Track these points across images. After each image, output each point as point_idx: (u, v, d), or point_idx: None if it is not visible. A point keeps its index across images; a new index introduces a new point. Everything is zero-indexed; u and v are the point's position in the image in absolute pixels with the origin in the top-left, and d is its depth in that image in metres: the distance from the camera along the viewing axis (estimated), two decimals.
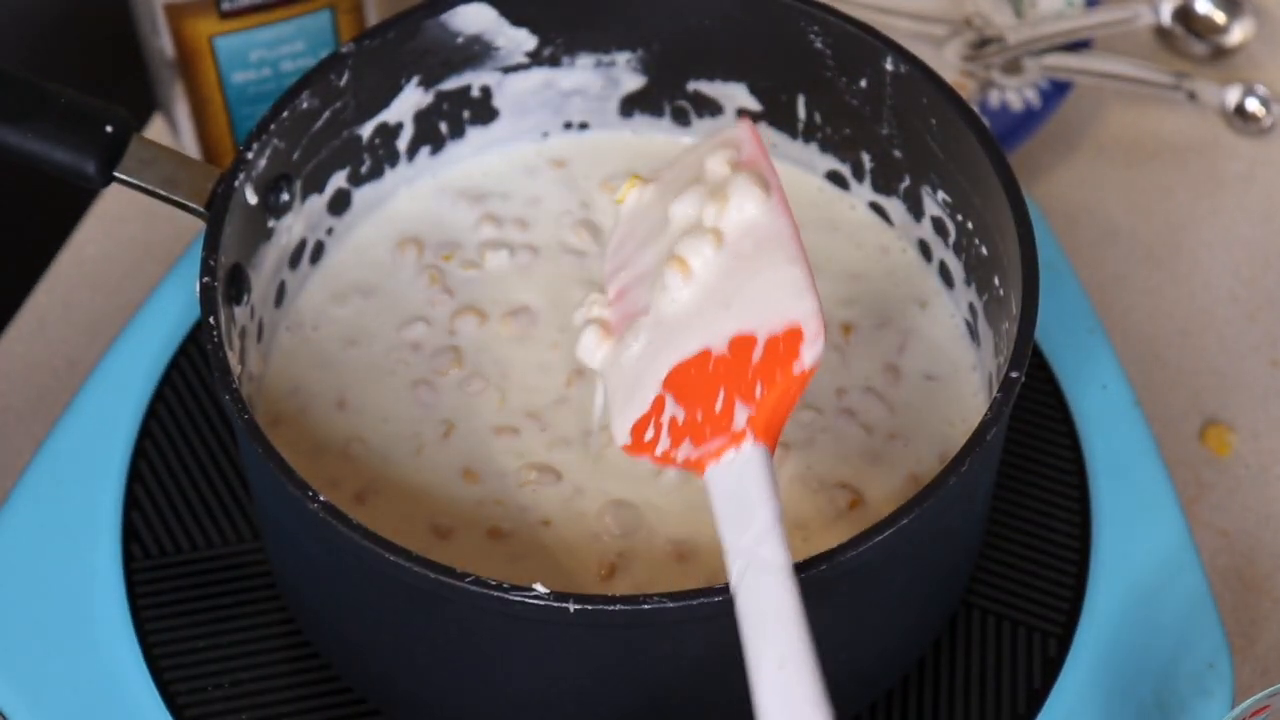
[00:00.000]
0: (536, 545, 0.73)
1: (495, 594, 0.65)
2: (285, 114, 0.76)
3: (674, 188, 0.74)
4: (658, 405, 0.68)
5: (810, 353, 0.65)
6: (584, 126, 0.85)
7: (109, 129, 0.75)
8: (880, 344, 0.79)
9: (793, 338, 0.66)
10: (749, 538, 0.62)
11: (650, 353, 0.69)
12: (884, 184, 0.82)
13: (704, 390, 0.67)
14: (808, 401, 0.77)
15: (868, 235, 0.83)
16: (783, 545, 0.62)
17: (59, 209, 0.98)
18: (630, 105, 0.85)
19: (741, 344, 0.67)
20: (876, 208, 0.83)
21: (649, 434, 0.68)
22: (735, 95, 0.84)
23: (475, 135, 0.84)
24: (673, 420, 0.67)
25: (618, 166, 0.84)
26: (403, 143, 0.82)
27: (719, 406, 0.66)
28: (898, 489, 0.75)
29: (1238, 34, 1.03)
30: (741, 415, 0.65)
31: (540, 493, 0.74)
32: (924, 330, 0.80)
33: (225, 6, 0.91)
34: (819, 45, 0.80)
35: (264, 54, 0.93)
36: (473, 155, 0.85)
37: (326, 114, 0.78)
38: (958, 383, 0.78)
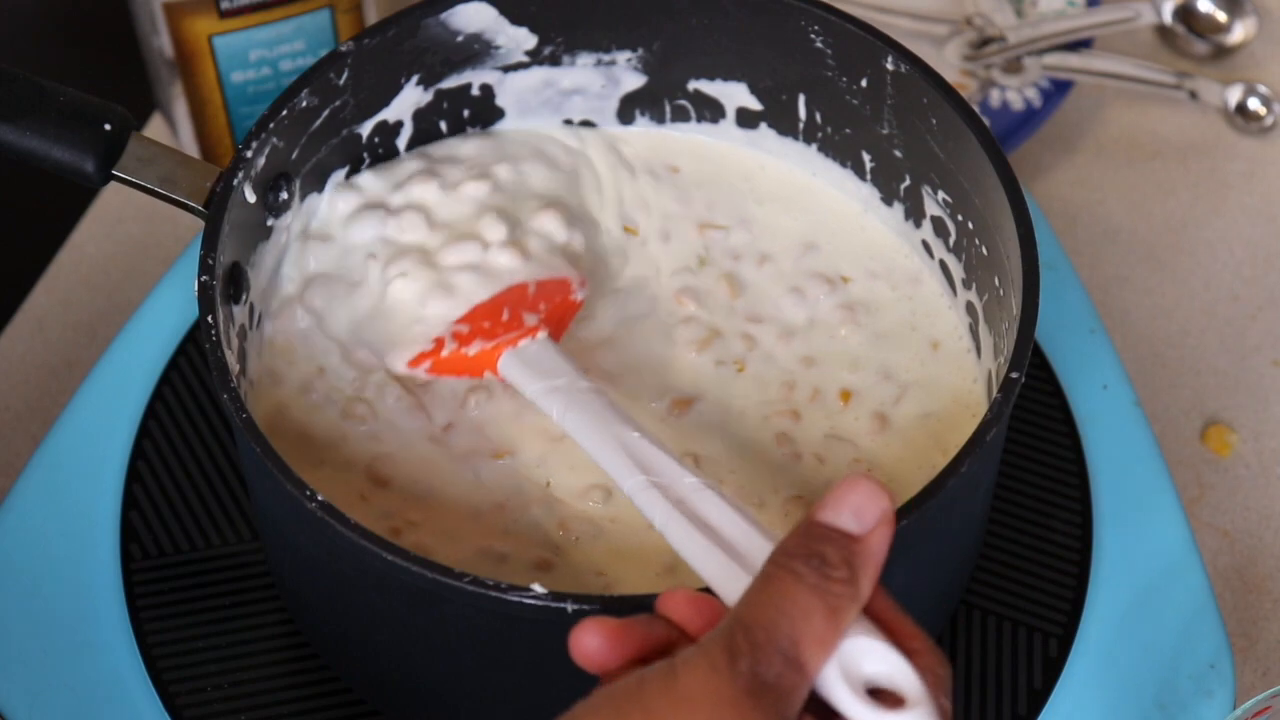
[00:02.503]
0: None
1: (493, 594, 0.64)
2: (284, 113, 0.76)
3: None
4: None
5: (581, 291, 0.79)
6: (586, 124, 0.85)
7: (108, 127, 0.75)
8: (880, 343, 0.79)
9: (561, 284, 0.79)
10: (561, 379, 0.75)
11: (433, 299, 0.78)
12: (884, 184, 0.82)
13: (489, 313, 0.78)
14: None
15: (867, 235, 0.83)
16: (593, 384, 0.74)
17: (58, 208, 0.98)
18: (630, 104, 0.85)
19: (518, 288, 0.78)
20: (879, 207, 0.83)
21: (429, 347, 0.78)
22: (735, 95, 0.83)
23: (475, 134, 0.84)
24: (456, 333, 0.77)
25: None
26: (402, 141, 0.82)
27: (505, 317, 0.77)
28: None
29: (1239, 33, 1.03)
30: (531, 317, 0.77)
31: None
32: (923, 331, 0.80)
33: (224, 6, 0.91)
34: (819, 44, 0.79)
35: (263, 53, 0.93)
36: None
37: (326, 113, 0.78)
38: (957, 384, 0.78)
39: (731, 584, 0.63)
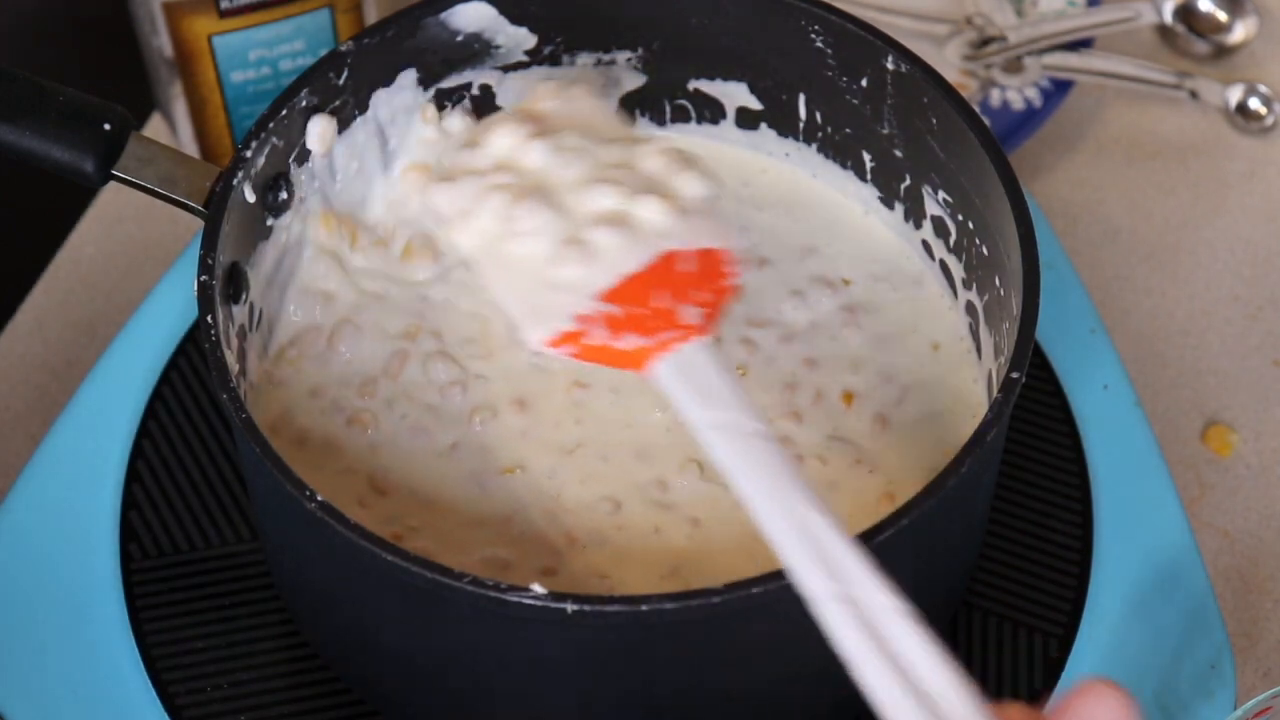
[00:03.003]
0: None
1: (493, 594, 0.64)
2: (284, 112, 0.76)
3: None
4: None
5: (736, 272, 0.72)
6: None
7: (107, 127, 0.75)
8: (881, 345, 0.79)
9: (716, 257, 0.72)
10: (727, 414, 0.66)
11: (569, 258, 0.72)
12: (884, 184, 0.82)
13: (641, 293, 0.71)
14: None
15: (869, 235, 0.83)
16: (762, 419, 0.66)
17: (57, 208, 0.98)
18: (630, 104, 0.84)
19: (672, 257, 0.72)
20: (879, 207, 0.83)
21: (573, 327, 0.71)
22: (735, 94, 0.83)
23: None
24: (607, 316, 0.70)
25: None
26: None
27: (663, 305, 0.70)
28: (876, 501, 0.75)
29: (1240, 33, 1.03)
30: (691, 312, 0.70)
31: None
32: (924, 332, 0.80)
33: (224, 5, 0.91)
34: (820, 44, 0.79)
35: (263, 53, 0.93)
36: None
37: (325, 112, 0.78)
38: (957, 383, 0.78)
39: None
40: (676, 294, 0.71)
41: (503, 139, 0.77)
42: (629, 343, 0.70)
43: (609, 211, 0.73)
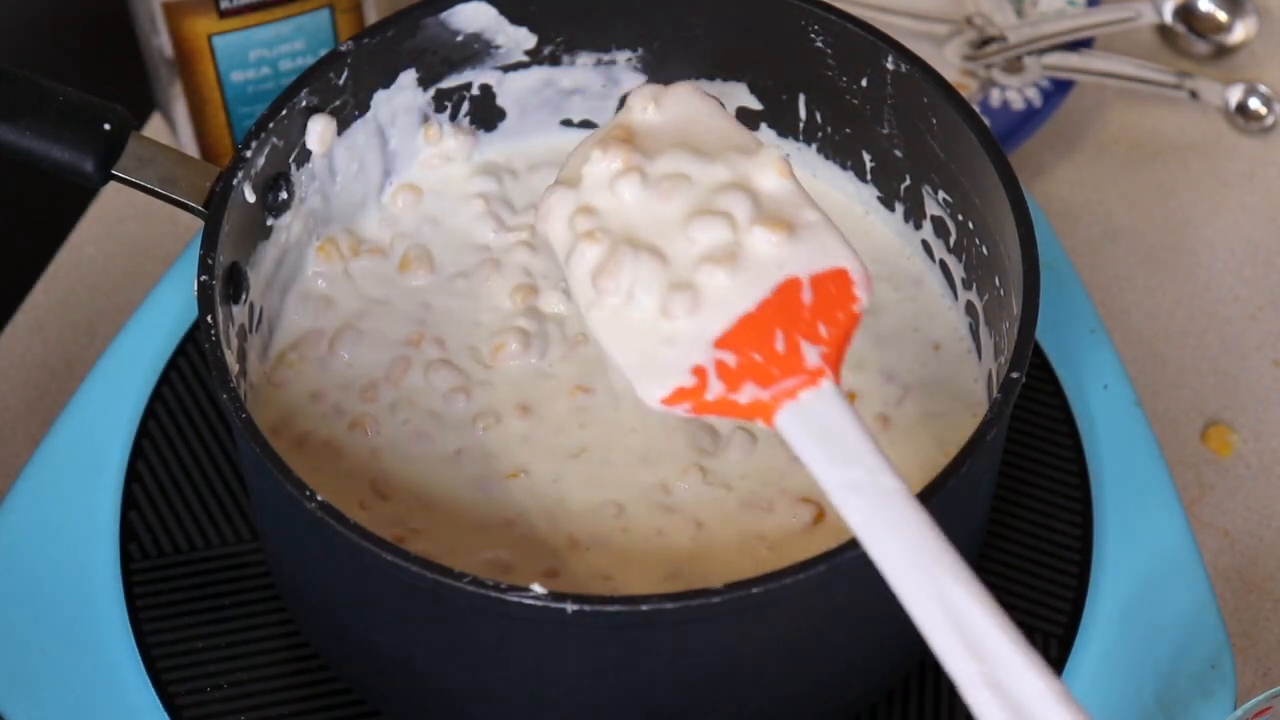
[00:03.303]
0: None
1: (493, 594, 0.64)
2: (284, 112, 0.76)
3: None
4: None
5: (865, 292, 0.66)
6: (586, 125, 0.85)
7: (107, 127, 0.75)
8: (882, 345, 0.79)
9: (839, 278, 0.67)
10: (859, 470, 0.62)
11: (678, 308, 0.67)
12: (884, 184, 0.82)
13: (758, 335, 0.66)
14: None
15: (870, 237, 0.83)
16: (897, 473, 0.62)
17: (57, 208, 0.98)
18: None
19: (789, 287, 0.66)
20: (879, 207, 0.83)
21: (690, 381, 0.66)
22: (735, 94, 0.83)
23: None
24: (721, 365, 0.65)
25: None
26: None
27: (781, 347, 0.65)
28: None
29: (1240, 33, 1.03)
30: (813, 354, 0.65)
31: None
32: (924, 332, 0.80)
33: (224, 5, 0.91)
34: (820, 44, 0.79)
35: (263, 53, 0.93)
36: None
37: (325, 112, 0.78)
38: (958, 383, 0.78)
39: None
40: (797, 329, 0.66)
41: (596, 175, 0.70)
42: (747, 394, 0.65)
43: (717, 247, 0.68)
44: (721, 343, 0.66)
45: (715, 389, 0.65)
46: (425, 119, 0.82)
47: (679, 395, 0.66)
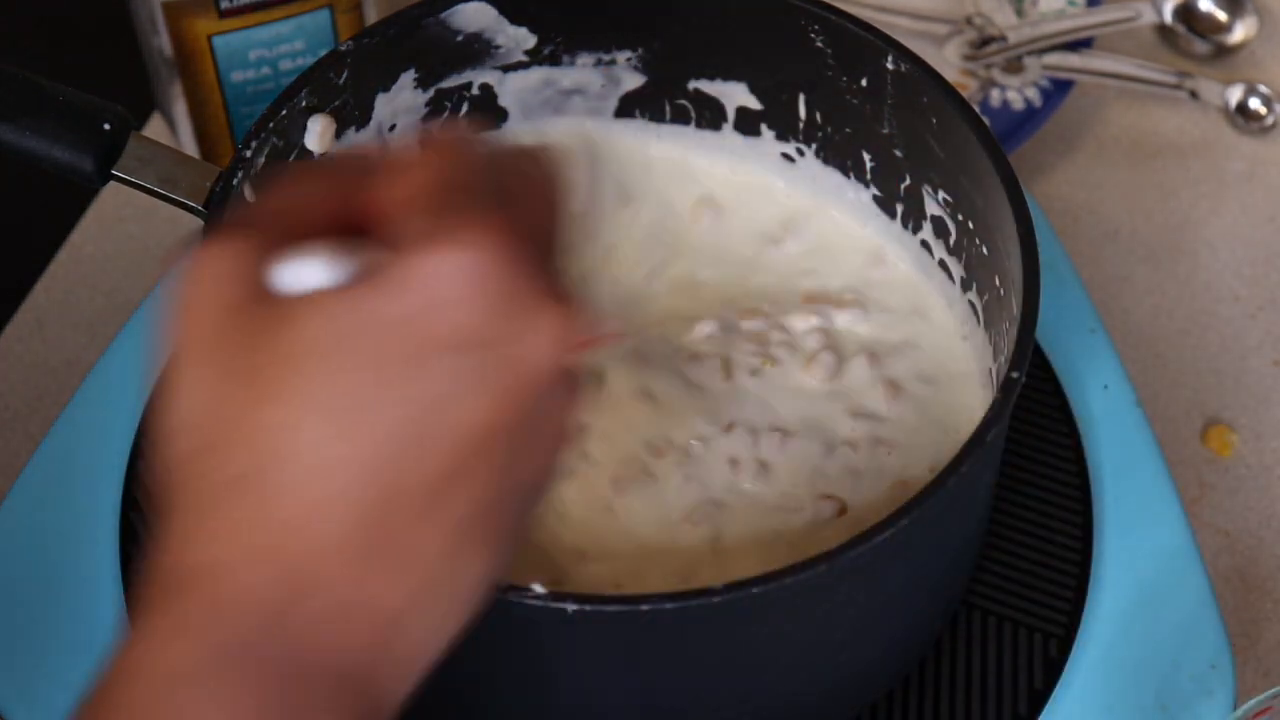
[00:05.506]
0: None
1: (493, 594, 0.64)
2: (284, 112, 0.76)
3: None
4: None
5: None
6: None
7: (107, 127, 0.75)
8: (879, 344, 0.79)
9: None
10: None
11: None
12: (884, 184, 0.82)
13: None
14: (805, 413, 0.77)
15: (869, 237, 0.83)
16: None
17: (57, 208, 0.98)
18: (630, 104, 0.84)
19: None
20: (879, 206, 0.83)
21: None
22: (735, 94, 0.83)
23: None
24: None
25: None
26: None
27: None
28: (885, 495, 0.75)
29: (1240, 32, 1.03)
30: None
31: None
32: (923, 332, 0.80)
33: (224, 5, 0.91)
34: (820, 44, 0.79)
35: (263, 53, 0.93)
36: None
37: (325, 112, 0.78)
38: (957, 385, 0.78)
39: None
40: None
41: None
42: None
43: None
44: None
45: None
46: (426, 119, 0.82)
47: None
